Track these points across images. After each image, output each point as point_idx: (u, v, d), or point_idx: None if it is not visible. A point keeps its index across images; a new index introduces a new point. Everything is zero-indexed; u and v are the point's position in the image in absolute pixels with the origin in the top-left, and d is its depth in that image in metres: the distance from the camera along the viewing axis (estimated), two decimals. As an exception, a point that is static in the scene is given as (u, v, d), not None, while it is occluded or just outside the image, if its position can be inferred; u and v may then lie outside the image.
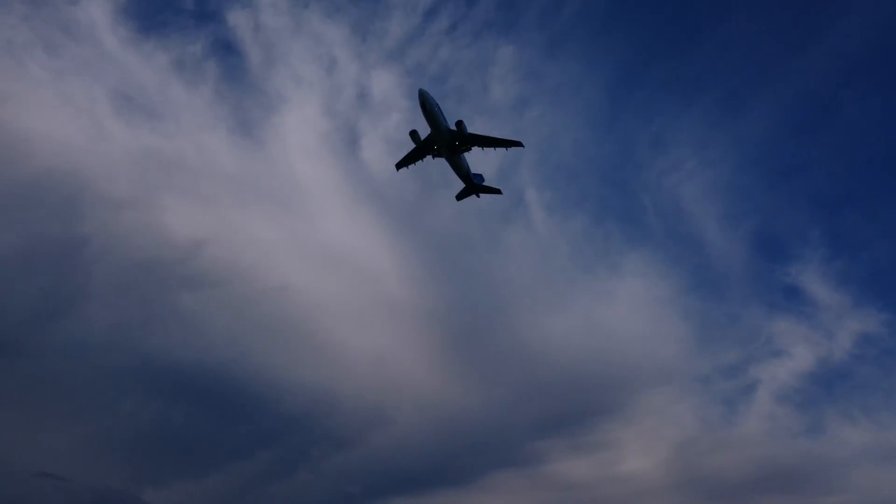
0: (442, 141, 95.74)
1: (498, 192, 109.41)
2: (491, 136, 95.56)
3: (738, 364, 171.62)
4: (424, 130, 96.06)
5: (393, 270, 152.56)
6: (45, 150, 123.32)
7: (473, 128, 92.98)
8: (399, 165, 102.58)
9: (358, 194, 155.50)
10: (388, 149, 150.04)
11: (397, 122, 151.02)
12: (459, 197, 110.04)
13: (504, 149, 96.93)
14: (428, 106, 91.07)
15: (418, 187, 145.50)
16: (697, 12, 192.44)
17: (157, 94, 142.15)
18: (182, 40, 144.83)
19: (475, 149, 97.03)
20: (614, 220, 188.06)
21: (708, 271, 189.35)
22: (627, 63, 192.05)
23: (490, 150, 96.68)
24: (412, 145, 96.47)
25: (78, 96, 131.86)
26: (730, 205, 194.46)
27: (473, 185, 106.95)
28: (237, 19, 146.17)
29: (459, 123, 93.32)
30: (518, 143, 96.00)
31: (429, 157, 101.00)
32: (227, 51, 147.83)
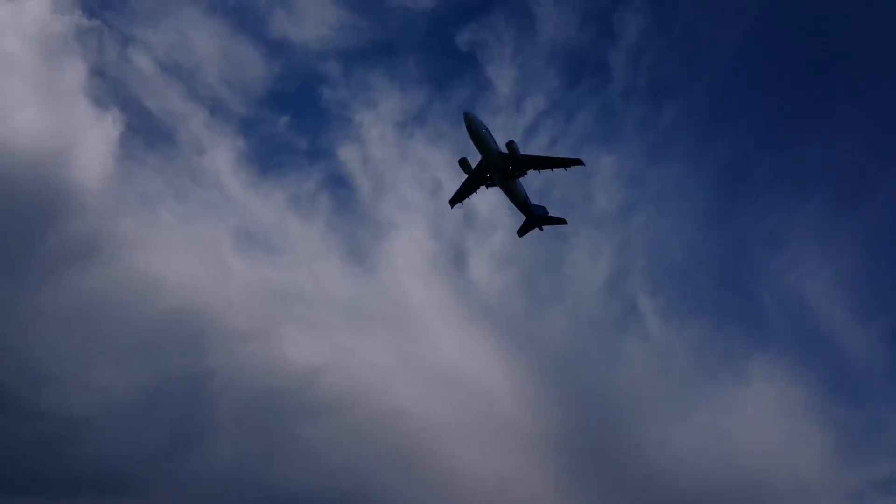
0: (494, 166, 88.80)
1: (563, 222, 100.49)
2: (545, 155, 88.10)
3: (894, 477, 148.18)
4: (474, 158, 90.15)
5: (507, 390, 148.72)
6: (173, 290, 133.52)
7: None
8: (453, 202, 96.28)
9: (468, 313, 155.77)
10: (496, 266, 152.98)
11: (502, 238, 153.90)
12: (521, 232, 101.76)
13: (568, 175, 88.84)
14: (475, 128, 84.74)
15: (527, 301, 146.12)
16: (803, 103, 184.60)
17: (275, 230, 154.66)
18: (297, 177, 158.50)
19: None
20: (735, 323, 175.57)
21: (845, 373, 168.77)
22: (733, 161, 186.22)
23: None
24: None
25: (204, 237, 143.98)
26: (861, 298, 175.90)
27: (534, 217, 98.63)
28: (347, 154, 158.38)
29: (510, 144, 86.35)
30: (577, 162, 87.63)
31: (482, 188, 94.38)
32: (338, 183, 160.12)
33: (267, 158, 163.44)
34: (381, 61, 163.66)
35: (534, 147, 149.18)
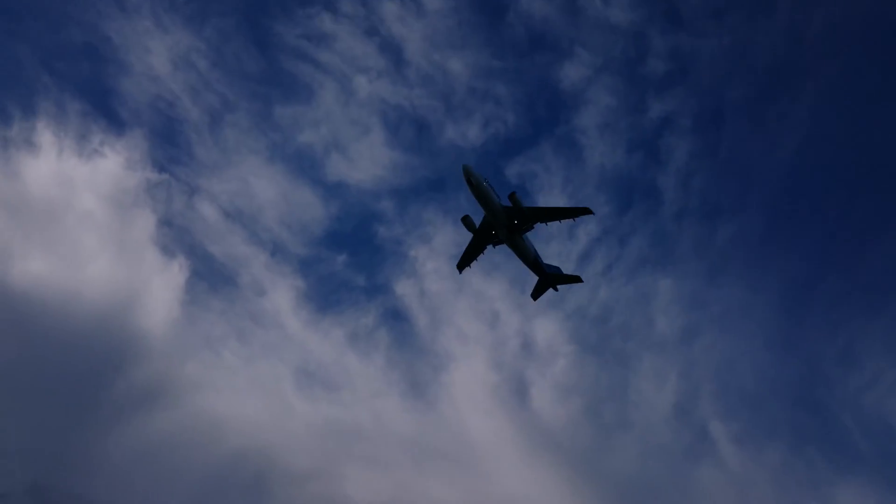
0: (498, 221, 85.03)
1: (578, 280, 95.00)
2: (551, 206, 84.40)
3: None
4: (477, 216, 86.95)
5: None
6: (236, 431, 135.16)
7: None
8: (461, 266, 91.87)
9: (532, 445, 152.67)
10: (558, 395, 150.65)
11: (564, 367, 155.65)
12: (536, 294, 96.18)
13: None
14: (475, 181, 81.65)
15: (593, 431, 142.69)
16: (863, 214, 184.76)
17: (335, 367, 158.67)
18: (355, 314, 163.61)
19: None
20: (816, 447, 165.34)
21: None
22: (797, 278, 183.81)
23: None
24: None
25: (265, 377, 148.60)
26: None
27: (547, 276, 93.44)
28: (404, 288, 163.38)
29: (512, 196, 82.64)
30: (586, 211, 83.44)
31: (489, 248, 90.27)
32: (395, 318, 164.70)
33: (325, 297, 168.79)
34: (434, 197, 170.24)
35: (588, 272, 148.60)
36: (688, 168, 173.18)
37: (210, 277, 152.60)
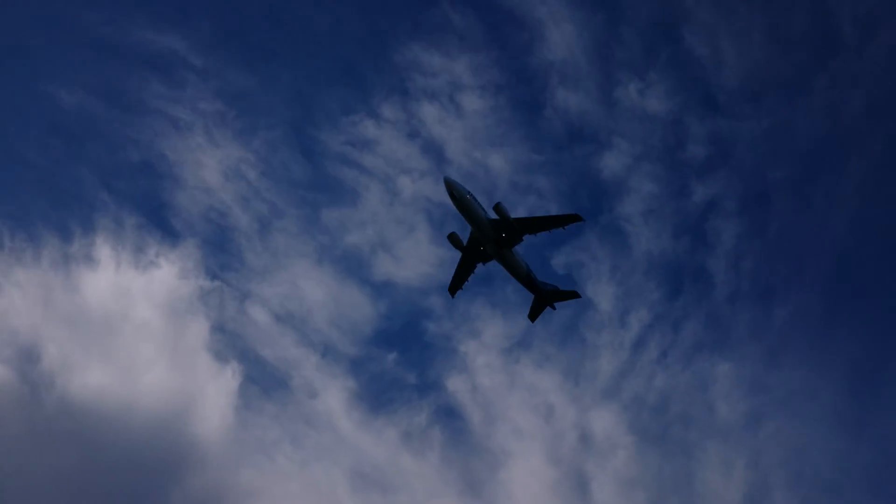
0: (485, 235, 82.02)
1: (576, 295, 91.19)
2: (539, 215, 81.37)
3: None
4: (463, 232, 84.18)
5: None
6: None
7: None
8: (452, 289, 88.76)
9: None
10: (620, 489, 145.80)
11: (624, 459, 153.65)
12: (533, 315, 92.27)
13: (563, 228, 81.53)
14: (457, 195, 79.20)
15: None
16: None
17: (390, 468, 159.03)
18: (408, 413, 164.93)
19: None
20: None
21: None
22: (861, 358, 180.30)
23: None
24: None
25: (320, 481, 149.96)
26: None
27: (542, 292, 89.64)
28: (456, 384, 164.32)
29: (498, 207, 79.63)
30: (576, 218, 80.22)
31: (479, 266, 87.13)
32: (449, 415, 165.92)
33: (377, 396, 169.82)
34: (482, 291, 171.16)
35: (643, 359, 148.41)
36: (737, 250, 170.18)
37: (263, 381, 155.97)
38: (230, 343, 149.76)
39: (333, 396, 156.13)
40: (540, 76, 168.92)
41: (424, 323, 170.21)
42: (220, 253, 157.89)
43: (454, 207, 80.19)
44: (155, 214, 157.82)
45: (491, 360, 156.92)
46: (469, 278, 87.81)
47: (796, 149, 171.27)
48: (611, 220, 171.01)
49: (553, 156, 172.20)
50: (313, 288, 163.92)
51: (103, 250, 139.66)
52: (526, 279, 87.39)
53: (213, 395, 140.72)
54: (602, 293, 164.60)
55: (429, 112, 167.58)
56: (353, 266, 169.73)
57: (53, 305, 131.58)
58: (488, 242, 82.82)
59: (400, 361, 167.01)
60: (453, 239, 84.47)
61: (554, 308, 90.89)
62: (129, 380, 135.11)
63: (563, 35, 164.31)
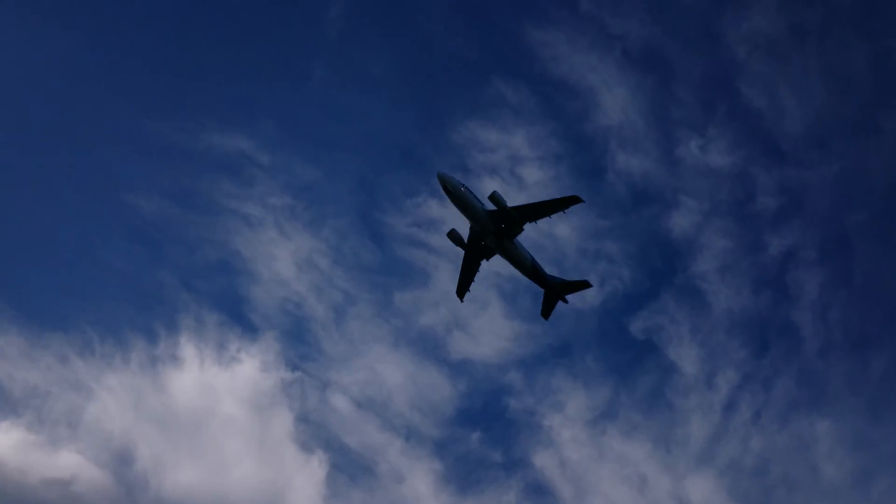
0: (484, 228, 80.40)
1: (587, 285, 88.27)
2: (537, 201, 79.47)
3: None
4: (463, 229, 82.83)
5: None
6: None
7: None
8: (460, 293, 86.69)
9: None
10: None
11: None
12: (545, 311, 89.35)
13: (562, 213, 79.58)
14: (451, 188, 78.04)
15: None
16: None
17: None
18: (497, 492, 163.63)
19: None
20: None
21: None
22: None
23: None
24: None
25: None
26: None
27: (551, 284, 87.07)
28: (543, 460, 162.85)
29: (493, 196, 77.65)
30: (576, 200, 77.98)
31: (484, 263, 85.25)
32: (538, 492, 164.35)
33: (464, 477, 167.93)
34: (560, 363, 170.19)
35: (736, 422, 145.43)
36: (822, 300, 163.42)
37: (349, 469, 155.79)
38: (314, 433, 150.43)
39: (420, 480, 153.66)
40: (598, 142, 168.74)
41: (505, 399, 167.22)
42: (299, 343, 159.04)
43: (451, 203, 79.22)
44: (234, 310, 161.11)
45: (577, 433, 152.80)
46: (475, 279, 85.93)
47: (872, 189, 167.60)
48: (686, 279, 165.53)
49: (620, 219, 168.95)
50: (392, 372, 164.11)
51: (187, 349, 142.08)
52: (532, 272, 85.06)
53: (301, 486, 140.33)
54: (685, 356, 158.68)
55: (490, 186, 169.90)
56: (429, 347, 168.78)
57: (143, 406, 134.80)
58: (488, 235, 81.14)
59: (484, 440, 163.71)
60: (453, 236, 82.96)
61: (566, 301, 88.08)
62: (220, 475, 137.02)
63: (617, 99, 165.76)
